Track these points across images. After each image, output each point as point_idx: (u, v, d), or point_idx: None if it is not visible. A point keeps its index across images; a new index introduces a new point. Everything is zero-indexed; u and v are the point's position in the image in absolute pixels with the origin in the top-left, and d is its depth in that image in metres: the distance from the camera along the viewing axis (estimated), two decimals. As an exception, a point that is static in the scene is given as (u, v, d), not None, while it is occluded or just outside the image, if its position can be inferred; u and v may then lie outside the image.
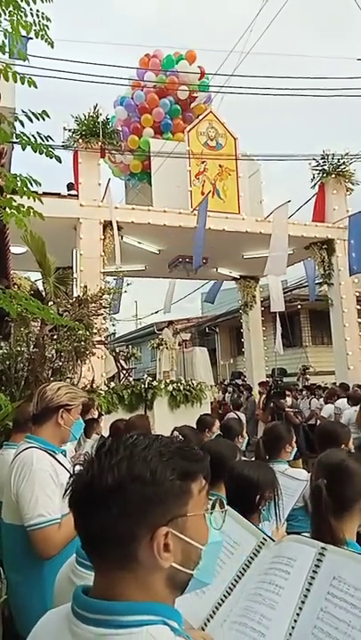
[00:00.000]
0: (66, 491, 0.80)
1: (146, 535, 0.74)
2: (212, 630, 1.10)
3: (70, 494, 0.78)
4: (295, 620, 0.96)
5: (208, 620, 1.13)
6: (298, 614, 0.97)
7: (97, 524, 0.74)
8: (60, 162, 2.01)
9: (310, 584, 1.00)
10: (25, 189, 1.84)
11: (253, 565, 1.16)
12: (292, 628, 0.96)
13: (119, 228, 9.09)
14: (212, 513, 0.85)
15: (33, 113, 1.84)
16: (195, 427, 4.27)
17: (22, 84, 1.86)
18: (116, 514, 0.72)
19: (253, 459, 2.85)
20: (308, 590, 1.00)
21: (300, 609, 0.98)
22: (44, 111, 1.87)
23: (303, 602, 0.99)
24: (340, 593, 0.96)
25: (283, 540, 1.20)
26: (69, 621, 0.76)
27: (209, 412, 7.56)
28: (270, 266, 9.12)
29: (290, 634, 0.95)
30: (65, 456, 2.10)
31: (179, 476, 0.77)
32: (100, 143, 9.05)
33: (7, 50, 1.92)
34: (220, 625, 1.11)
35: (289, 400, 8.78)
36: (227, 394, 13.66)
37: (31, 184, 1.86)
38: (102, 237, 8.93)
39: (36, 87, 1.90)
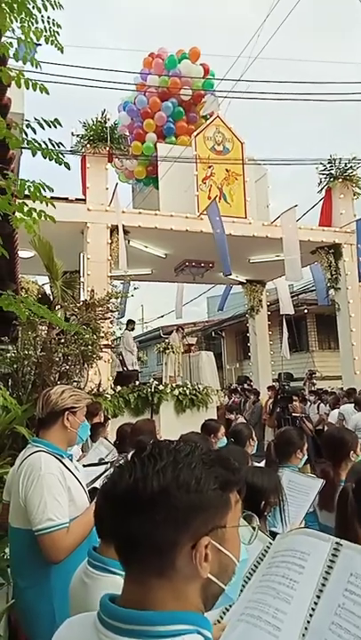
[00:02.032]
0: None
1: (187, 543, 0.73)
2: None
3: (109, 497, 0.76)
4: (310, 615, 0.96)
5: (218, 622, 1.14)
6: (313, 609, 0.97)
7: (138, 529, 0.72)
8: (69, 169, 2.02)
9: (325, 579, 1.00)
10: (38, 195, 1.85)
11: (260, 570, 1.16)
12: (308, 622, 0.95)
13: (126, 232, 9.12)
14: (244, 527, 0.84)
15: (45, 121, 1.86)
16: (200, 431, 4.26)
17: (34, 90, 1.88)
18: (160, 520, 0.71)
19: (263, 463, 2.83)
20: (323, 585, 0.99)
21: (316, 604, 0.97)
22: (55, 119, 1.88)
23: (318, 597, 0.98)
24: (358, 590, 0.95)
25: (293, 532, 1.19)
26: (98, 631, 0.74)
27: (215, 417, 7.55)
28: (288, 272, 9.12)
29: (305, 628, 0.95)
30: (72, 460, 2.10)
31: (221, 485, 0.76)
32: (107, 148, 9.11)
33: (20, 57, 1.94)
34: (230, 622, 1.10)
35: (296, 405, 8.73)
36: (235, 398, 13.60)
37: (44, 189, 1.87)
38: (109, 241, 8.97)
39: (48, 93, 1.92)
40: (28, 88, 1.88)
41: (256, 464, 2.76)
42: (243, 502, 0.85)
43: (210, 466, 0.77)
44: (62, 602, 1.55)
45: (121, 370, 10.19)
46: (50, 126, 1.90)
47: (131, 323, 11.17)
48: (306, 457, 2.82)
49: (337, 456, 2.60)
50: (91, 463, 3.11)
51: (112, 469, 0.80)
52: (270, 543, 1.20)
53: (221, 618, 1.12)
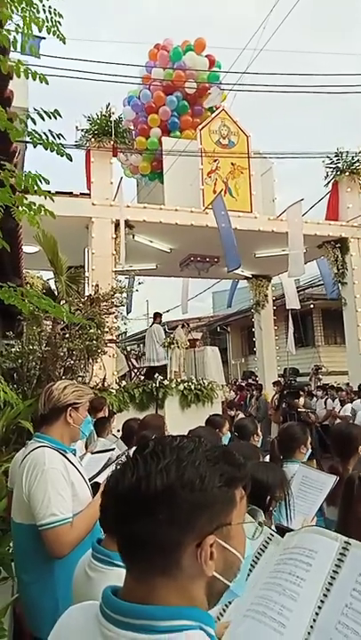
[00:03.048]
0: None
1: (192, 543, 0.72)
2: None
3: (112, 495, 0.75)
4: (316, 614, 0.95)
5: (218, 619, 1.13)
6: (319, 607, 0.96)
7: (142, 528, 0.71)
8: (71, 160, 2.00)
9: (333, 578, 0.99)
10: (35, 187, 1.83)
11: (261, 561, 1.16)
12: (314, 621, 0.95)
13: (131, 227, 9.10)
14: (249, 523, 0.83)
15: (45, 111, 1.83)
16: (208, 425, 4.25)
17: (34, 79, 1.85)
18: (164, 520, 0.70)
19: (268, 458, 2.82)
20: (330, 584, 0.98)
21: (323, 602, 0.96)
22: (55, 110, 1.86)
23: (325, 595, 0.97)
24: None
25: (303, 530, 1.18)
26: (100, 624, 0.73)
27: (220, 413, 7.54)
28: (292, 267, 9.06)
29: (311, 626, 0.94)
30: (75, 455, 2.09)
31: (226, 482, 0.75)
32: (112, 142, 9.07)
33: (19, 46, 1.92)
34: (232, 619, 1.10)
35: (302, 400, 8.73)
36: (241, 394, 13.59)
37: (40, 181, 1.85)
38: (114, 236, 8.95)
39: (47, 83, 1.90)
40: (27, 77, 1.85)
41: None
42: (248, 498, 0.84)
43: (214, 463, 0.75)
44: (66, 596, 1.54)
45: (129, 366, 10.21)
46: (50, 117, 1.88)
47: (159, 316, 11.01)
48: (310, 451, 2.81)
49: (345, 451, 2.60)
50: (98, 450, 3.11)
51: (114, 465, 0.79)
52: (271, 534, 1.19)
53: (221, 615, 1.12)
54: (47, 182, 1.93)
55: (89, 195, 9.02)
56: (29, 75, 1.83)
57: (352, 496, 1.56)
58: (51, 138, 1.89)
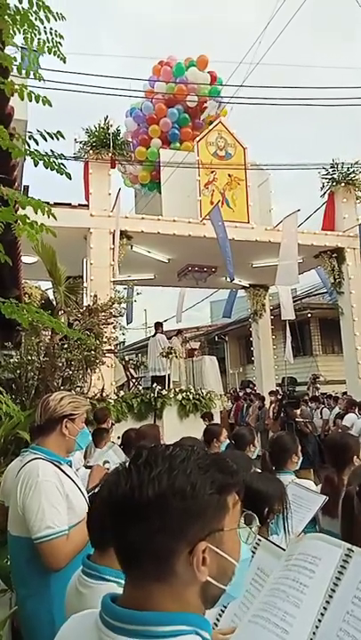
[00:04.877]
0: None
1: (185, 549, 0.74)
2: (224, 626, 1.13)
3: (106, 504, 0.77)
4: (319, 620, 0.97)
5: (216, 625, 1.16)
6: (322, 614, 0.97)
7: (136, 536, 0.73)
8: (71, 179, 2.04)
9: (336, 585, 1.00)
10: (40, 206, 1.86)
11: (251, 566, 1.17)
12: (316, 627, 0.96)
13: (129, 238, 9.16)
14: (243, 528, 0.85)
15: (48, 133, 1.88)
16: (203, 436, 4.27)
17: (37, 102, 1.90)
18: (157, 528, 0.72)
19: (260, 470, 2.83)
20: (333, 591, 1.00)
21: (325, 609, 0.98)
22: (58, 132, 1.90)
23: (328, 602, 0.98)
24: None
25: (307, 536, 1.20)
26: (99, 630, 0.75)
27: (218, 422, 7.54)
28: (281, 276, 9.10)
29: (313, 633, 0.95)
30: (71, 466, 2.09)
31: (217, 489, 0.77)
32: (110, 154, 9.16)
33: (24, 69, 1.96)
34: (229, 623, 1.13)
35: (299, 410, 8.72)
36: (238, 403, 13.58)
37: (42, 210, 1.87)
38: (112, 247, 9.00)
39: (51, 105, 1.95)
40: (30, 100, 1.90)
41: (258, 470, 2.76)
42: (247, 508, 0.86)
43: (205, 470, 0.77)
44: (62, 610, 1.55)
45: (127, 376, 10.20)
46: (53, 138, 1.92)
47: (160, 325, 10.95)
48: (301, 459, 2.82)
49: (340, 461, 2.60)
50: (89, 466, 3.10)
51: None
52: (259, 539, 1.21)
53: (218, 620, 1.14)
54: (50, 211, 1.95)
55: (87, 206, 9.09)
56: (32, 97, 1.88)
57: (353, 512, 1.56)
58: (51, 154, 1.93)
